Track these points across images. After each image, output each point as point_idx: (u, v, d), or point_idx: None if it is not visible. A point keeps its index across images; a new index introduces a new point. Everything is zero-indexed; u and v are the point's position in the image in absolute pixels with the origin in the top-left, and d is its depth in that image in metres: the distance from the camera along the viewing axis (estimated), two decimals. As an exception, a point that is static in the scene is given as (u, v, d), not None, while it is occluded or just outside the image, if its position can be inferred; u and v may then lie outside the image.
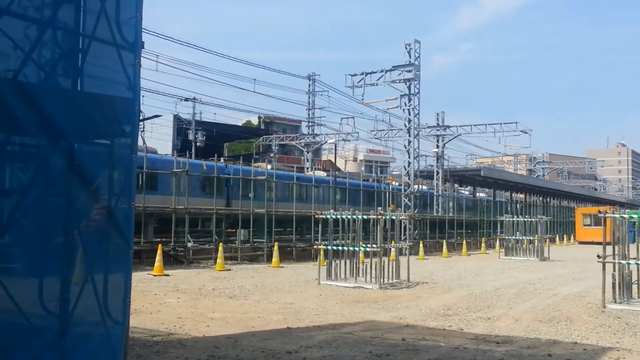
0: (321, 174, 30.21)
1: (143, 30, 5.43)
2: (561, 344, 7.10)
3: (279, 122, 51.29)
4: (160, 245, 15.30)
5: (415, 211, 26.34)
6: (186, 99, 36.97)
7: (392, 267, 13.43)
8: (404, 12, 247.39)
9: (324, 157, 52.09)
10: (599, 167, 79.62)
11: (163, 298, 10.25)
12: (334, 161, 45.85)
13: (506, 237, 24.39)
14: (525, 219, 24.75)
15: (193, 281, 13.12)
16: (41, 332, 4.53)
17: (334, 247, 13.29)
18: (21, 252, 4.50)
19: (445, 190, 35.76)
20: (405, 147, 26.97)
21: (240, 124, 50.17)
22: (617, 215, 10.55)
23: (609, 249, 10.34)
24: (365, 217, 13.25)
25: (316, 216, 14.33)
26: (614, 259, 10.23)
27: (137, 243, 15.93)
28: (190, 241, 18.08)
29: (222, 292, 11.28)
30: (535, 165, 62.94)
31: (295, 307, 9.62)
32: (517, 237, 23.98)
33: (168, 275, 14.08)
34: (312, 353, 6.31)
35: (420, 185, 31.27)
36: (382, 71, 25.92)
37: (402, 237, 22.21)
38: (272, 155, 40.60)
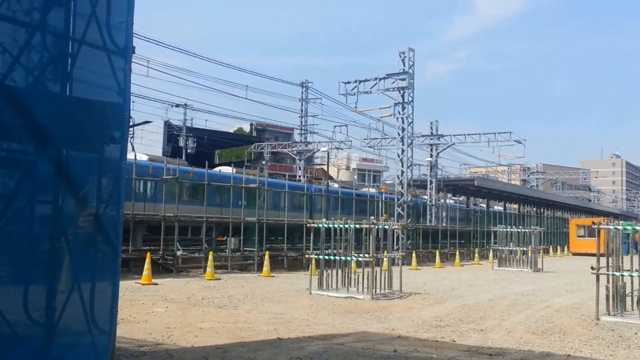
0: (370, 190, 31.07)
1: (134, 35, 5.37)
2: (554, 357, 7.05)
3: (271, 129, 51.23)
4: (148, 253, 15.07)
5: (408, 221, 26.30)
6: (177, 105, 36.85)
7: (385, 278, 13.35)
8: (399, 19, 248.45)
9: (316, 166, 52.03)
10: (593, 177, 79.93)
11: (151, 307, 10.10)
12: (326, 169, 45.75)
13: (499, 248, 24.34)
14: (519, 230, 24.74)
15: (182, 290, 12.96)
16: (26, 340, 4.44)
17: (326, 257, 13.19)
18: (6, 259, 4.41)
19: (439, 200, 35.79)
20: (399, 156, 26.96)
21: (231, 131, 50.04)
22: (611, 227, 10.52)
23: (603, 260, 10.31)
24: (357, 226, 13.18)
25: (308, 225, 14.22)
26: (607, 270, 10.20)
27: (125, 251, 15.71)
28: (179, 249, 17.86)
29: (211, 302, 11.14)
30: (529, 176, 63.22)
31: (286, 317, 9.51)
32: (510, 248, 23.95)
33: (156, 284, 13.89)
34: (303, 365, 6.21)
35: (412, 195, 31.29)
36: (375, 79, 25.95)
37: (395, 247, 22.14)
38: (264, 163, 40.46)
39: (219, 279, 15.83)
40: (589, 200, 78.66)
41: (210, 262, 16.09)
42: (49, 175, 4.72)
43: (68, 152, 4.87)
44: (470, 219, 36.40)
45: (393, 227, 14.87)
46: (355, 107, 27.19)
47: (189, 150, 38.58)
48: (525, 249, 23.69)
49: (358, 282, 12.81)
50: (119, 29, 5.18)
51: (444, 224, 32.44)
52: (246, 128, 52.27)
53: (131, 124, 23.02)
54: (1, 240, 4.37)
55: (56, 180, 4.72)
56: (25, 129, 4.54)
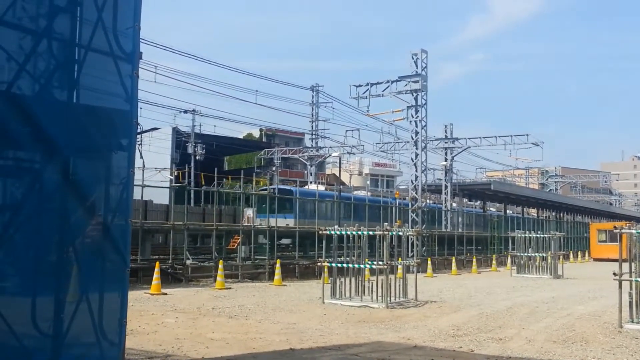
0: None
1: (141, 40, 5.30)
2: (578, 368, 6.81)
3: (282, 134, 51.22)
4: (158, 262, 14.94)
5: (423, 227, 26.00)
6: (185, 111, 36.81)
7: (399, 285, 13.14)
8: (413, 21, 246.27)
9: (327, 171, 51.94)
10: (614, 180, 78.54)
11: (161, 318, 10.01)
12: (338, 175, 45.60)
13: (518, 254, 23.95)
14: (538, 235, 24.29)
15: (192, 300, 12.87)
16: (33, 353, 4.37)
17: (339, 265, 13.02)
18: (14, 269, 4.35)
19: (454, 205, 35.41)
20: (413, 160, 26.71)
21: (241, 137, 50.04)
22: (634, 231, 10.28)
23: (626, 266, 10.07)
24: (371, 233, 13.00)
25: (320, 232, 14.06)
26: (630, 276, 9.96)
27: (134, 260, 15.60)
28: (189, 258, 17.77)
29: (222, 312, 11.03)
30: (547, 179, 62.36)
31: (299, 327, 9.37)
32: (529, 254, 23.53)
33: (166, 294, 13.79)
34: (316, 377, 6.05)
35: (428, 200, 31.01)
36: (387, 82, 25.76)
37: (410, 254, 21.87)
38: (274, 169, 40.40)
39: (230, 288, 15.73)
40: (610, 204, 77.18)
41: (220, 271, 15.96)
42: (56, 184, 4.67)
43: (75, 160, 4.82)
44: (487, 225, 35.93)
45: (407, 234, 14.66)
46: (367, 111, 27.06)
47: (197, 157, 38.56)
48: (544, 255, 23.26)
49: (372, 290, 12.63)
50: (126, 34, 5.12)
51: (460, 230, 32.06)
52: (256, 133, 52.39)
53: (139, 130, 23.03)
54: (8, 251, 4.31)
55: (63, 189, 4.67)
56: (32, 137, 4.50)
